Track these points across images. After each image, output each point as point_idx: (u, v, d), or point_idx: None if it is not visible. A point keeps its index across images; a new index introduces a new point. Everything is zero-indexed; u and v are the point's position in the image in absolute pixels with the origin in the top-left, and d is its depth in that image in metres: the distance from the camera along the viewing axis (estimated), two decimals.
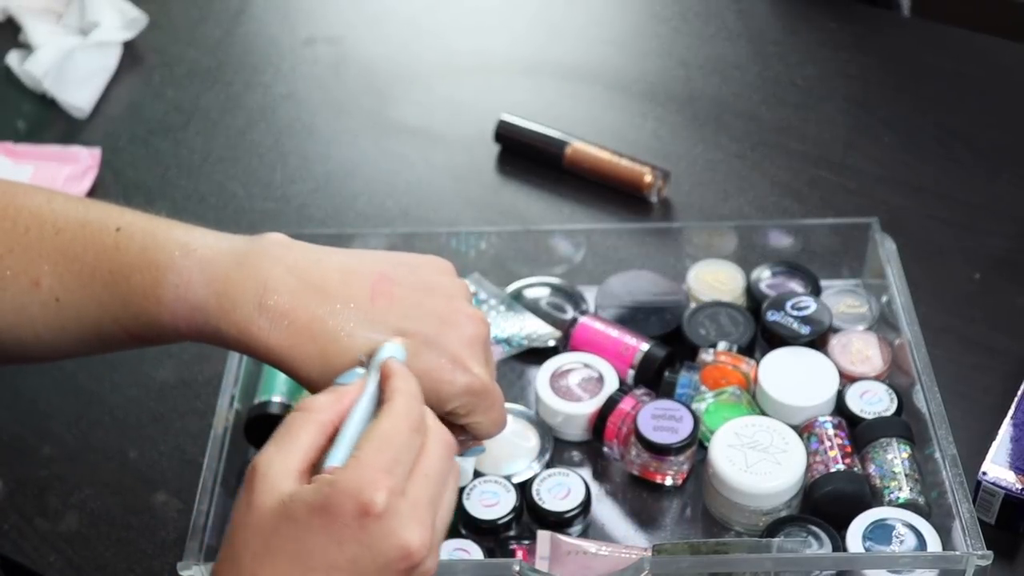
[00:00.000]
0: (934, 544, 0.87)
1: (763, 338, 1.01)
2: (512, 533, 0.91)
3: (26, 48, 1.39)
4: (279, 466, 0.66)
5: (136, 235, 0.77)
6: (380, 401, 0.70)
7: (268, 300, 0.74)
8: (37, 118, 1.34)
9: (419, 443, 0.68)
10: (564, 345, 1.03)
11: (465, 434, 0.79)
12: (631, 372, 1.00)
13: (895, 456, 0.92)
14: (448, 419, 0.76)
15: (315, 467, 0.68)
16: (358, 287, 0.75)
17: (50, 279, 0.77)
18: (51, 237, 0.77)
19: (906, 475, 0.91)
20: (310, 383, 0.75)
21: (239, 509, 0.67)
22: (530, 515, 0.92)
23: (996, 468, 0.91)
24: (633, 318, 1.04)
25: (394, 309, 0.75)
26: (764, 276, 1.06)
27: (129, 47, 1.41)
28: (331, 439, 0.69)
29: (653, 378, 0.99)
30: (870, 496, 0.91)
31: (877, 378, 0.99)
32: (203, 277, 0.75)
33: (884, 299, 1.03)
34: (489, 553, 0.90)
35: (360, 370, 0.72)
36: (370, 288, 0.75)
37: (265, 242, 0.77)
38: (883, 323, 1.03)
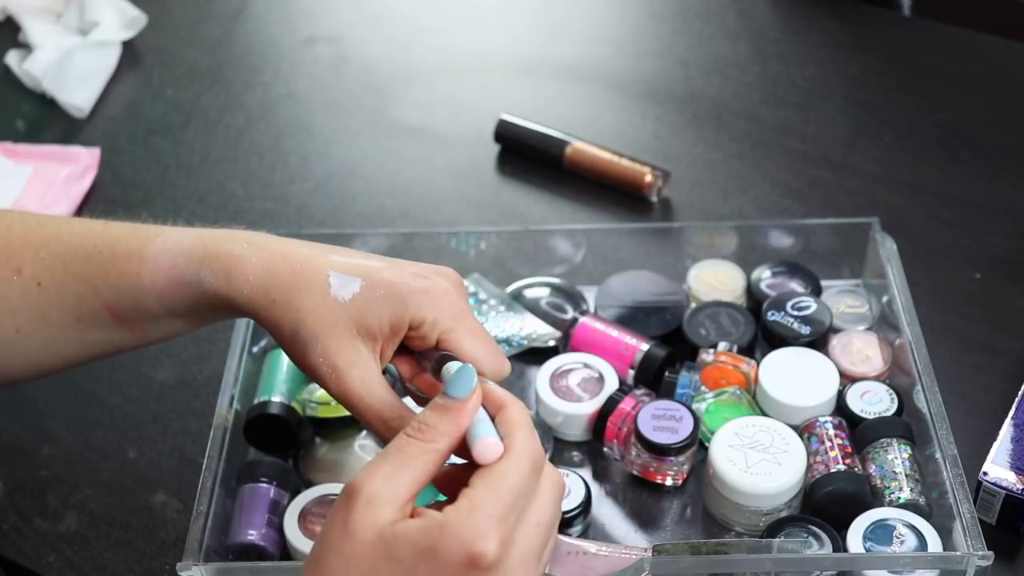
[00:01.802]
0: (935, 544, 0.87)
1: (763, 338, 1.01)
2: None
3: (25, 48, 1.39)
4: (386, 493, 0.63)
5: (127, 223, 0.80)
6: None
7: (252, 238, 0.77)
8: (36, 118, 1.34)
9: (535, 487, 0.65)
10: (564, 345, 1.03)
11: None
12: (631, 372, 1.00)
13: (895, 456, 0.92)
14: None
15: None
16: (331, 249, 0.78)
17: (32, 266, 0.78)
18: (35, 229, 0.79)
19: (906, 475, 0.91)
20: (279, 308, 0.74)
21: (334, 530, 0.63)
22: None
23: (997, 468, 0.91)
24: (633, 318, 1.04)
25: (369, 257, 0.77)
26: (764, 276, 1.06)
27: (129, 47, 1.41)
28: (440, 471, 0.66)
29: (653, 378, 0.99)
30: (870, 496, 0.91)
31: (877, 378, 0.99)
32: (195, 233, 0.77)
33: (884, 299, 1.03)
34: None
35: (472, 378, 0.67)
36: (349, 252, 0.78)
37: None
38: (883, 323, 1.03)
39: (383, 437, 0.73)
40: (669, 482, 0.95)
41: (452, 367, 0.71)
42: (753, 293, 1.05)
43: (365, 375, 0.73)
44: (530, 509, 0.64)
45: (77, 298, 0.78)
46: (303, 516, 0.91)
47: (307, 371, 0.75)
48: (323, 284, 0.74)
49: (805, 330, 1.00)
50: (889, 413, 0.95)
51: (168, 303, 0.77)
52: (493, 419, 0.67)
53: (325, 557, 0.63)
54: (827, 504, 0.90)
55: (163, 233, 0.78)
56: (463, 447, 0.66)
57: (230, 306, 0.76)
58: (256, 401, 0.97)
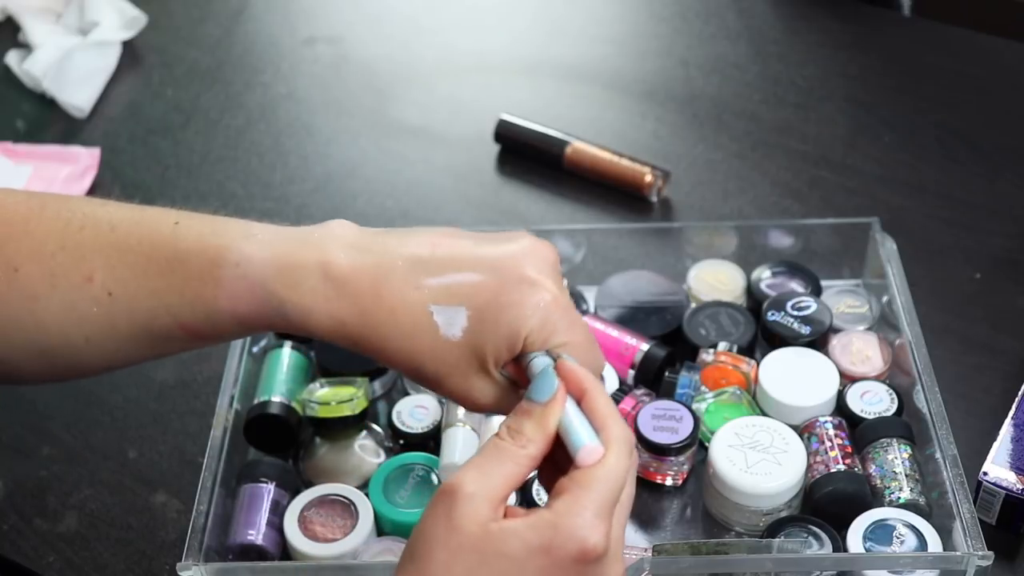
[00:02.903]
0: (935, 544, 0.87)
1: (763, 338, 1.01)
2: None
3: (25, 48, 1.39)
4: (484, 491, 0.65)
5: (195, 225, 0.75)
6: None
7: (332, 271, 0.71)
8: (36, 118, 1.34)
9: (628, 471, 0.67)
10: None
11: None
12: (631, 372, 1.00)
13: (895, 456, 0.92)
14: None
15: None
16: (416, 244, 0.73)
17: (102, 273, 0.74)
18: (106, 234, 0.75)
19: (906, 475, 0.91)
20: (391, 353, 0.72)
21: (436, 526, 0.64)
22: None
23: (997, 468, 0.91)
24: (633, 318, 1.04)
25: (456, 247, 0.73)
26: (764, 276, 1.06)
27: (129, 47, 1.41)
28: (531, 472, 0.67)
29: (653, 378, 0.99)
30: (870, 496, 0.91)
31: (877, 378, 0.99)
32: (265, 254, 0.73)
33: (884, 299, 1.03)
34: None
35: (553, 379, 0.68)
36: (429, 243, 0.73)
37: (325, 225, 0.75)
38: (883, 323, 1.03)
39: None
40: (669, 482, 0.95)
41: (536, 366, 0.70)
42: (753, 293, 1.05)
43: (500, 398, 0.74)
44: (622, 491, 0.67)
45: (149, 313, 0.74)
46: (303, 516, 0.91)
47: (437, 392, 0.76)
48: (428, 324, 0.71)
49: (805, 330, 1.00)
50: (889, 413, 0.95)
51: (247, 326, 0.74)
52: (579, 403, 0.69)
53: (428, 552, 0.64)
54: (827, 504, 0.90)
55: (234, 248, 0.73)
56: (557, 442, 0.68)
57: (321, 337, 0.73)
58: (256, 401, 0.97)
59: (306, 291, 0.72)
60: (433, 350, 0.72)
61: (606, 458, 0.66)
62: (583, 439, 0.67)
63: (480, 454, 0.67)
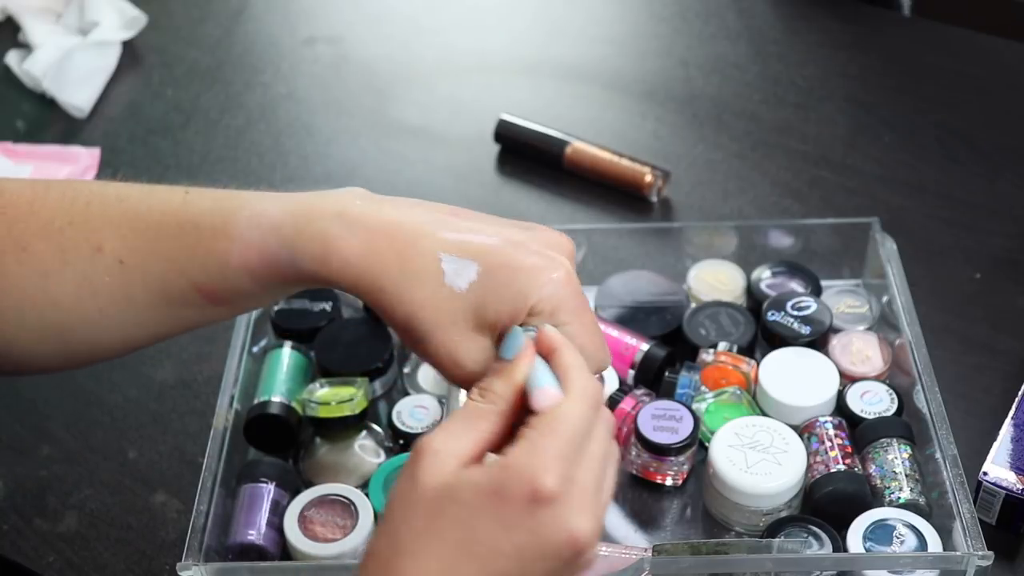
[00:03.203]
0: (935, 544, 0.87)
1: (763, 338, 1.01)
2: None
3: (25, 48, 1.39)
4: (451, 447, 0.64)
5: (207, 192, 0.75)
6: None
7: (346, 211, 0.71)
8: (36, 118, 1.34)
9: (593, 423, 0.66)
10: None
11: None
12: (631, 372, 1.00)
13: (895, 456, 0.92)
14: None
15: (481, 459, 0.65)
16: (436, 207, 0.73)
17: (113, 242, 0.73)
18: (114, 205, 0.74)
19: (906, 475, 0.91)
20: (389, 296, 0.70)
21: (400, 485, 0.64)
22: None
23: (997, 468, 0.91)
24: (633, 318, 1.04)
25: (472, 217, 0.73)
26: (764, 276, 1.06)
27: (129, 47, 1.41)
28: (506, 430, 0.66)
29: (653, 378, 0.99)
30: (870, 496, 0.91)
31: (877, 378, 0.99)
32: (279, 205, 0.72)
33: (884, 299, 1.03)
34: None
35: (520, 337, 0.68)
36: (450, 209, 0.73)
37: (345, 188, 0.74)
38: (883, 323, 1.03)
39: None
40: (669, 482, 0.95)
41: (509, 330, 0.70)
42: (753, 293, 1.05)
43: (484, 366, 0.71)
44: (588, 444, 0.65)
45: (163, 278, 0.73)
46: (303, 516, 0.91)
47: (423, 358, 0.73)
48: (435, 271, 0.70)
49: (805, 330, 1.00)
50: (889, 413, 0.95)
51: (262, 281, 0.73)
52: (550, 363, 0.68)
53: (393, 508, 0.64)
54: (827, 504, 0.90)
55: (247, 204, 0.72)
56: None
57: (331, 282, 0.72)
58: (256, 401, 0.97)
59: (317, 232, 0.71)
60: (433, 298, 0.70)
61: (564, 403, 0.65)
62: (542, 385, 0.66)
63: (451, 416, 0.67)
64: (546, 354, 0.68)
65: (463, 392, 0.94)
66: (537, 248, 0.72)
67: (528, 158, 1.26)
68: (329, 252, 0.70)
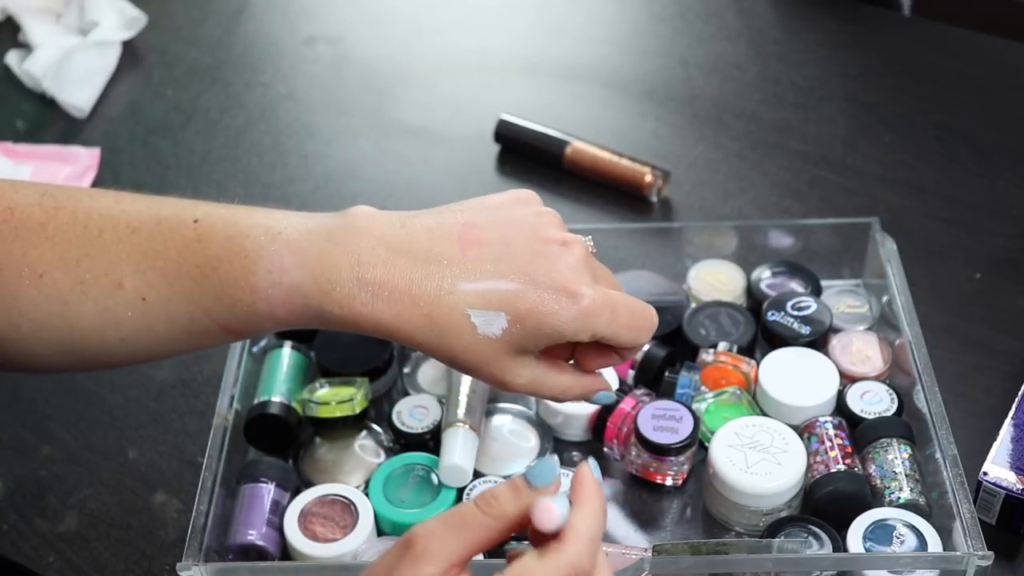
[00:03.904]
0: (935, 544, 0.87)
1: (763, 338, 1.01)
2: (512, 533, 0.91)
3: (25, 48, 1.39)
4: (436, 552, 0.63)
5: (216, 224, 0.75)
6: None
7: (365, 274, 0.73)
8: (36, 118, 1.34)
9: (589, 570, 0.65)
10: None
11: (603, 358, 0.80)
12: (631, 372, 1.00)
13: (895, 456, 0.92)
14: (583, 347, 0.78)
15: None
16: (446, 243, 0.75)
17: (133, 279, 0.74)
18: (127, 237, 0.75)
19: (907, 475, 0.91)
20: (427, 347, 0.75)
21: (379, 568, 0.64)
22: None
23: (997, 468, 0.91)
24: None
25: (486, 254, 0.75)
26: (764, 276, 1.06)
27: (129, 47, 1.41)
28: (498, 542, 0.66)
29: (653, 378, 0.99)
30: (870, 496, 0.91)
31: (877, 378, 0.99)
32: (295, 260, 0.73)
33: (884, 299, 1.03)
34: (488, 553, 0.90)
35: (554, 473, 0.67)
36: (457, 240, 0.75)
37: (350, 216, 0.75)
38: (883, 323, 1.03)
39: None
40: (669, 482, 0.95)
41: (542, 457, 0.71)
42: (753, 293, 1.05)
43: (535, 376, 0.77)
44: None
45: (188, 317, 0.75)
46: (303, 516, 0.91)
47: (472, 375, 0.79)
48: (466, 325, 0.74)
49: (805, 330, 1.00)
50: (889, 413, 0.95)
51: (290, 324, 0.76)
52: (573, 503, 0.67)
53: None
54: (827, 504, 0.90)
55: (264, 255, 0.73)
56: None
57: (361, 333, 0.75)
58: (256, 401, 0.97)
59: (343, 298, 0.73)
60: (470, 347, 0.74)
61: (564, 544, 0.64)
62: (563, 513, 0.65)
63: (447, 513, 0.66)
64: (573, 496, 0.67)
65: (463, 393, 0.95)
66: (555, 282, 0.75)
67: (528, 158, 1.26)
68: (359, 318, 0.74)
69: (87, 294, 0.74)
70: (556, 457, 0.68)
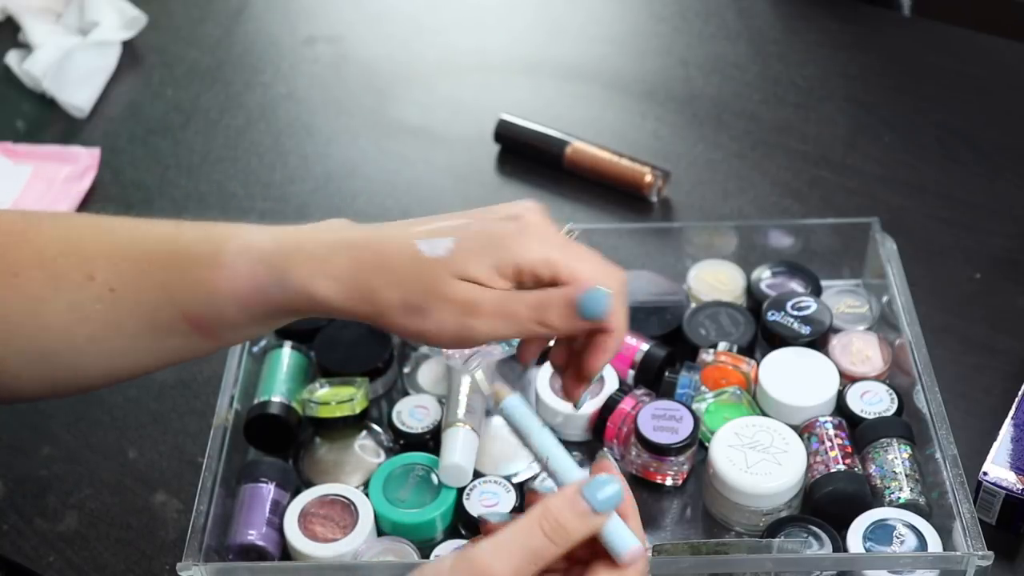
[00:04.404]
0: (935, 544, 0.87)
1: (763, 338, 1.01)
2: None
3: (25, 48, 1.39)
4: (503, 574, 0.64)
5: (197, 224, 0.77)
6: None
7: (330, 234, 0.75)
8: (36, 118, 1.34)
9: None
10: None
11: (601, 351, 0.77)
12: (631, 372, 1.00)
13: (896, 456, 0.92)
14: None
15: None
16: (405, 223, 0.77)
17: (105, 271, 0.75)
18: (107, 235, 0.77)
19: (907, 475, 0.91)
20: (373, 290, 0.73)
21: None
22: None
23: (997, 468, 0.91)
24: (633, 318, 1.03)
25: (447, 214, 0.76)
26: (764, 276, 1.06)
27: (129, 47, 1.41)
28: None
29: (653, 378, 0.99)
30: (870, 496, 0.91)
31: (877, 378, 0.99)
32: (267, 235, 0.75)
33: (884, 299, 1.03)
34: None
35: (620, 495, 0.67)
36: (424, 218, 0.77)
37: (327, 221, 0.79)
38: (883, 323, 1.03)
39: (544, 323, 0.73)
40: (669, 482, 0.95)
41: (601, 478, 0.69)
42: (753, 293, 1.05)
43: (496, 292, 0.72)
44: None
45: (153, 306, 0.75)
46: (303, 516, 0.91)
47: (437, 334, 0.73)
48: (414, 252, 0.73)
49: (805, 330, 1.00)
50: (889, 413, 0.95)
51: (250, 310, 0.75)
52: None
53: None
54: (827, 504, 0.90)
55: (237, 235, 0.75)
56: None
57: (319, 307, 0.74)
58: (256, 401, 0.97)
59: (305, 257, 0.74)
60: (418, 270, 0.72)
61: (636, 565, 0.67)
62: (627, 540, 0.67)
63: (517, 537, 0.65)
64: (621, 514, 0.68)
65: (463, 393, 0.94)
66: (507, 214, 0.74)
67: (528, 158, 1.26)
68: (316, 273, 0.74)
69: (60, 289, 0.75)
70: (618, 480, 0.68)
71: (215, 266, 0.74)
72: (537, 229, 0.73)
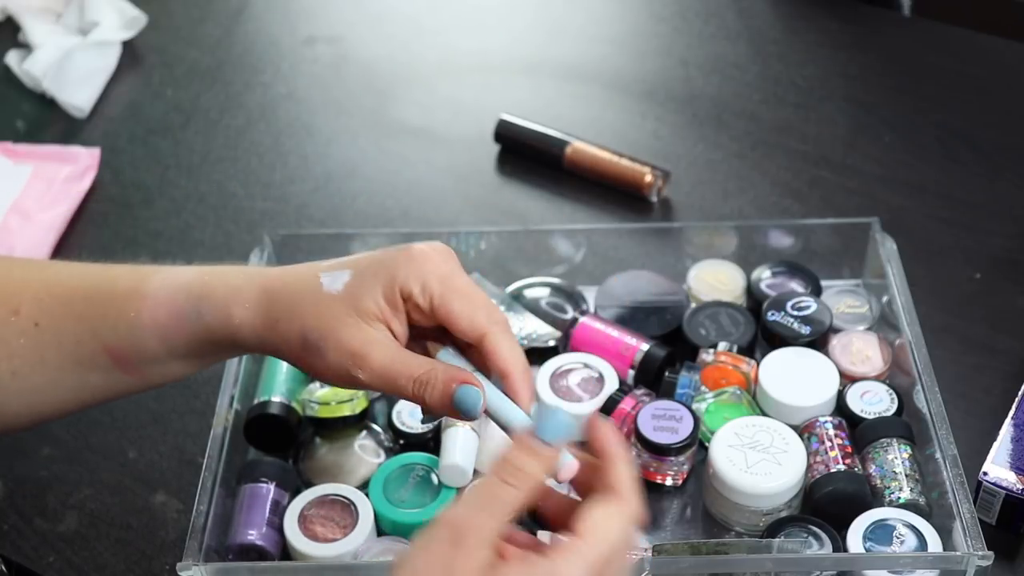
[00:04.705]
0: (935, 544, 0.87)
1: (763, 338, 1.01)
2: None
3: (25, 48, 1.39)
4: (487, 536, 0.64)
5: (124, 265, 0.79)
6: None
7: (250, 270, 0.77)
8: (36, 118, 1.34)
9: (629, 541, 0.67)
10: (564, 345, 1.03)
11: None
12: (631, 372, 1.00)
13: (896, 456, 0.92)
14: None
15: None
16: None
17: (29, 306, 0.77)
18: (36, 272, 0.79)
19: (907, 475, 0.91)
20: (279, 323, 0.75)
21: (434, 567, 0.63)
22: (530, 516, 0.92)
23: (997, 468, 0.91)
24: (633, 318, 1.04)
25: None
26: (764, 276, 1.06)
27: (129, 47, 1.41)
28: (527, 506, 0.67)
29: (653, 378, 0.99)
30: (870, 496, 0.91)
31: (877, 378, 0.99)
32: (189, 271, 0.78)
33: (884, 299, 1.03)
34: None
35: (571, 430, 0.67)
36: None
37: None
38: (883, 323, 1.03)
39: (420, 399, 0.74)
40: (669, 482, 0.95)
41: (544, 407, 0.69)
42: (753, 293, 1.05)
43: (386, 350, 0.74)
44: (619, 557, 0.66)
45: (75, 339, 0.77)
46: (303, 516, 0.91)
47: (330, 375, 0.75)
48: (316, 286, 0.75)
49: (805, 330, 1.00)
50: (889, 413, 0.95)
51: (169, 341, 0.77)
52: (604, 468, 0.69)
53: None
54: (827, 504, 0.90)
55: (161, 271, 0.78)
56: None
57: (233, 338, 0.76)
58: (256, 401, 0.97)
59: (221, 284, 0.76)
60: (317, 307, 0.74)
61: (617, 517, 0.66)
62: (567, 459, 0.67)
63: (483, 495, 0.65)
64: (605, 456, 0.68)
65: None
66: (403, 246, 0.76)
67: (528, 158, 1.26)
68: (230, 300, 0.76)
69: None
70: (561, 408, 0.68)
71: (137, 297, 0.76)
72: (422, 257, 0.75)
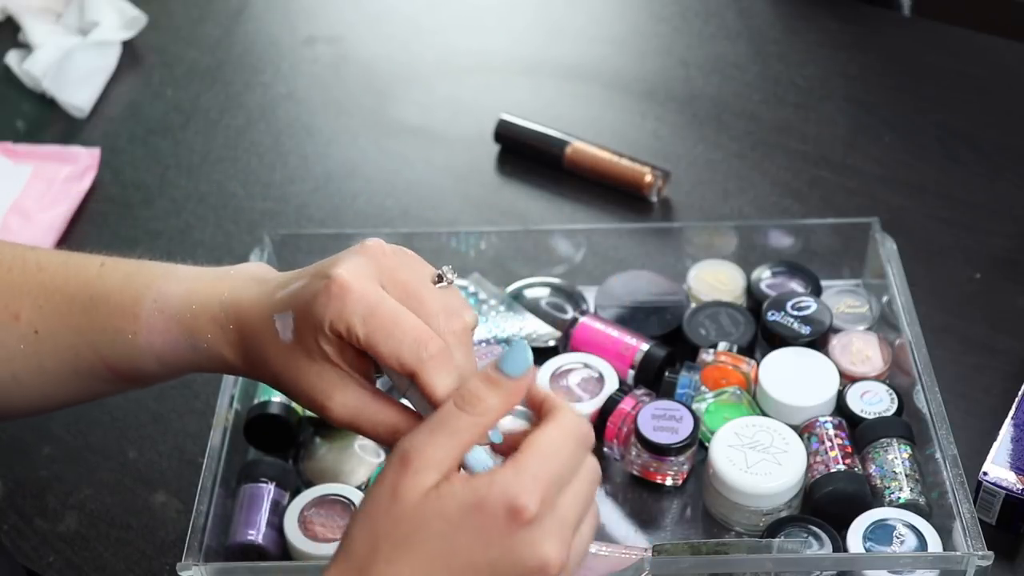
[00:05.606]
0: (935, 544, 0.87)
1: (763, 338, 1.01)
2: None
3: (25, 48, 1.39)
4: (435, 462, 0.64)
5: (120, 265, 0.78)
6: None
7: (227, 299, 0.74)
8: (36, 118, 1.34)
9: (581, 461, 0.67)
10: (564, 345, 1.03)
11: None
12: (631, 372, 1.00)
13: (895, 456, 0.92)
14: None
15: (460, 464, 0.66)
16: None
17: (30, 312, 0.77)
18: (34, 273, 0.78)
19: (907, 475, 0.91)
20: (255, 368, 0.73)
21: (380, 495, 0.64)
22: None
23: (997, 468, 0.91)
24: (633, 318, 1.04)
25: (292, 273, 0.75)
26: (764, 276, 1.06)
27: (129, 47, 1.41)
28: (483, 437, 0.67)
29: (653, 378, 0.99)
30: (870, 496, 0.91)
31: (877, 378, 0.99)
32: (180, 290, 0.75)
33: (884, 299, 1.03)
34: None
35: (528, 358, 0.67)
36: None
37: (245, 264, 0.78)
38: (883, 323, 1.03)
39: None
40: (669, 482, 0.95)
41: (512, 341, 0.69)
42: (753, 293, 1.05)
43: (349, 398, 0.71)
44: (573, 480, 0.66)
45: (74, 351, 0.77)
46: (303, 516, 0.91)
47: (303, 402, 0.73)
48: (273, 333, 0.72)
49: (805, 330, 1.00)
50: (889, 413, 0.95)
51: (168, 365, 0.76)
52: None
53: (371, 512, 0.65)
54: (827, 504, 0.90)
55: (153, 286, 0.76)
56: None
57: (230, 370, 0.76)
58: (256, 401, 0.97)
59: (209, 320, 0.74)
60: (280, 358, 0.72)
61: (553, 432, 0.66)
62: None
63: (434, 423, 0.65)
64: (531, 402, 0.69)
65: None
66: (319, 269, 0.71)
67: (528, 158, 1.26)
68: (216, 340, 0.74)
69: None
70: (525, 341, 0.68)
71: (132, 318, 0.75)
72: (340, 292, 0.69)
